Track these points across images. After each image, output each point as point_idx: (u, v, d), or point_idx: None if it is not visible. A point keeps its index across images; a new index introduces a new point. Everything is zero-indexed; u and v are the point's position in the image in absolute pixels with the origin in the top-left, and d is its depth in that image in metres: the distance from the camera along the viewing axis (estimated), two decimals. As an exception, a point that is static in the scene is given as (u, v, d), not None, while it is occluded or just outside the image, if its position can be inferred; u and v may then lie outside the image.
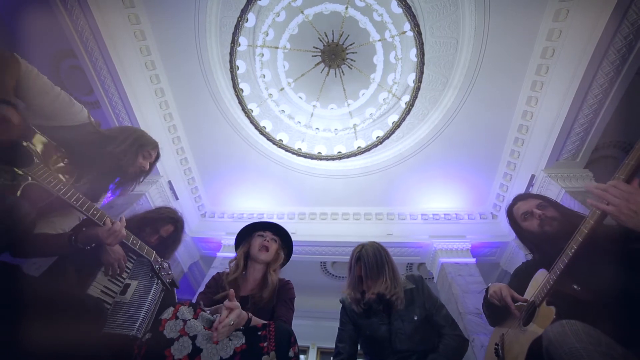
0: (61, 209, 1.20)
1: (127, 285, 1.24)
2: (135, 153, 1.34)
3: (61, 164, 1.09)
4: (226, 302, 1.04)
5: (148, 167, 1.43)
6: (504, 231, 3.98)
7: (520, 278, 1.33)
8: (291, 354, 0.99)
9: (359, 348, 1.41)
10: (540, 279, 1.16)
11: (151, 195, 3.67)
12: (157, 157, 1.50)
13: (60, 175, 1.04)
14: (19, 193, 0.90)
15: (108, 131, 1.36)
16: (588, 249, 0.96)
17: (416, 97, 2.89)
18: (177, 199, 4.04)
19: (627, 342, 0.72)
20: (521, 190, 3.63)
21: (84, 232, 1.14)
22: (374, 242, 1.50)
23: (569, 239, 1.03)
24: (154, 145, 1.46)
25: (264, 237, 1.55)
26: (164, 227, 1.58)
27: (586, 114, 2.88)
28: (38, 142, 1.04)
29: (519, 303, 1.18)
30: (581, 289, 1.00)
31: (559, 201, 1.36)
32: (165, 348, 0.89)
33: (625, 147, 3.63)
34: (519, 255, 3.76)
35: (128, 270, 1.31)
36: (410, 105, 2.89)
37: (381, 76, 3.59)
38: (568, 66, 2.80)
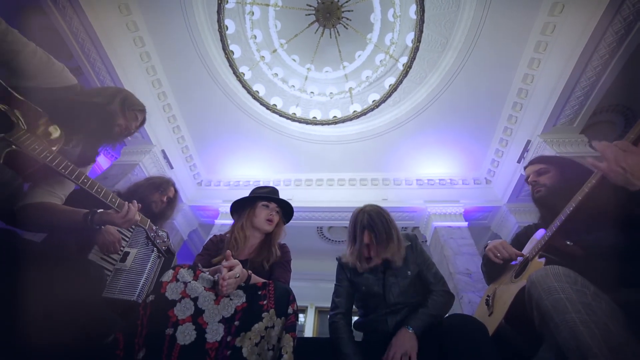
0: (57, 176, 1.17)
1: (127, 253, 1.27)
2: (120, 109, 1.28)
3: (48, 129, 1.04)
4: (224, 263, 1.07)
5: (133, 128, 1.37)
6: (497, 196, 4.06)
7: (521, 239, 1.38)
8: (290, 310, 1.02)
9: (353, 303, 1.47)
10: (537, 237, 1.21)
11: (145, 164, 3.63)
12: (143, 121, 1.44)
13: (46, 141, 1.00)
14: (1, 160, 0.87)
15: (92, 89, 1.30)
16: (586, 209, 0.99)
17: (414, 58, 2.76)
18: (171, 167, 4.01)
19: (607, 290, 0.77)
20: (516, 156, 3.65)
21: (99, 215, 1.13)
22: (375, 205, 1.44)
23: (563, 202, 1.05)
24: (141, 108, 1.40)
25: (269, 209, 1.54)
26: (169, 189, 1.70)
27: (589, 76, 2.81)
28: (19, 106, 0.98)
29: (516, 261, 1.24)
30: (573, 244, 1.05)
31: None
32: (168, 309, 0.93)
33: (624, 111, 3.59)
34: (509, 219, 3.88)
35: (127, 239, 1.33)
36: (408, 67, 2.77)
37: (378, 36, 3.41)
38: (576, 24, 2.67)
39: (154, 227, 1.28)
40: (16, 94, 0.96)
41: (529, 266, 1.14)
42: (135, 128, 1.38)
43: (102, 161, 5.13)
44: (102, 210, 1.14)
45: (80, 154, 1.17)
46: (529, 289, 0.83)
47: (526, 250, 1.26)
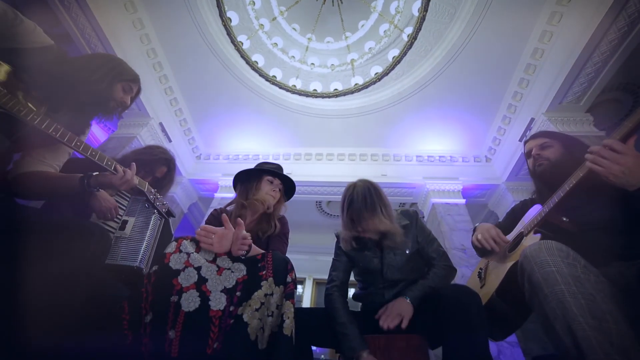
0: (50, 145, 1.15)
1: (125, 222, 1.28)
2: (111, 83, 1.21)
3: (30, 93, 0.99)
4: (238, 220, 1.11)
5: (129, 101, 1.30)
6: (496, 174, 4.06)
7: (516, 214, 1.39)
8: (288, 279, 1.05)
9: (352, 277, 1.51)
10: (533, 212, 1.21)
11: (143, 137, 3.59)
12: (138, 91, 1.36)
13: (31, 105, 0.96)
14: None
15: (77, 58, 1.21)
16: (586, 187, 0.99)
17: (420, 29, 2.64)
18: (170, 141, 3.96)
19: (599, 265, 0.80)
20: (518, 134, 3.61)
21: (96, 177, 1.11)
22: (366, 180, 1.45)
23: (563, 178, 1.05)
24: (135, 78, 1.31)
25: (273, 185, 1.56)
26: (158, 169, 1.57)
27: (603, 51, 2.68)
28: None
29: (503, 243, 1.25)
30: (569, 221, 1.06)
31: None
32: (172, 278, 0.95)
33: (633, 89, 3.49)
34: (507, 197, 3.91)
35: (124, 208, 1.34)
36: (413, 38, 2.66)
37: (383, 4, 3.23)
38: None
39: (153, 190, 1.28)
40: None
41: (523, 241, 1.16)
42: (131, 100, 1.33)
43: (99, 133, 5.07)
44: (98, 172, 1.12)
45: (69, 123, 1.11)
46: (521, 263, 0.85)
47: (521, 225, 1.28)
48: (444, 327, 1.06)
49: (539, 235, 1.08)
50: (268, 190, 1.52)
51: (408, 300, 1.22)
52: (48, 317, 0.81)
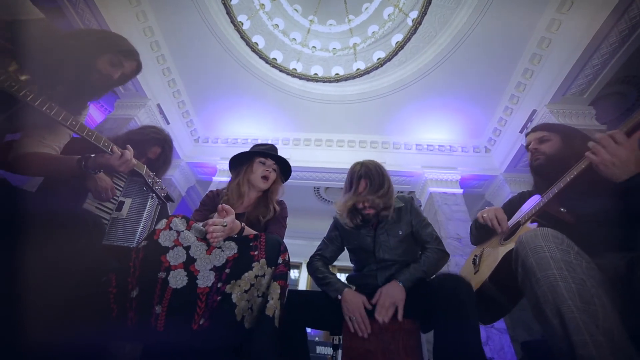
0: (50, 126, 1.12)
1: (122, 203, 1.27)
2: (94, 53, 1.12)
3: (23, 70, 0.96)
4: (222, 204, 1.09)
5: (116, 76, 1.20)
6: (495, 165, 4.06)
7: (513, 205, 1.40)
8: (280, 260, 1.05)
9: (349, 263, 1.55)
10: (531, 203, 1.22)
11: (140, 119, 3.53)
12: (136, 69, 1.26)
13: (23, 80, 0.93)
14: None
15: (69, 32, 1.14)
16: (586, 180, 0.99)
17: (425, 13, 2.57)
18: (168, 123, 3.91)
19: (593, 255, 0.81)
20: (519, 125, 3.58)
21: (94, 158, 1.09)
22: (372, 160, 1.54)
23: (560, 173, 1.06)
24: (127, 51, 1.21)
25: (266, 165, 1.53)
26: (150, 150, 1.52)
27: (611, 42, 2.62)
28: None
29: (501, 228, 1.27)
30: (567, 212, 1.07)
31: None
32: (161, 254, 0.95)
33: (638, 83, 3.44)
34: (504, 189, 3.92)
35: (120, 189, 1.33)
36: (417, 23, 2.59)
37: (389, -14, 3.13)
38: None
39: (152, 174, 1.26)
40: None
41: (520, 230, 1.17)
42: (123, 77, 1.23)
43: (96, 114, 4.99)
44: (95, 154, 1.10)
45: (65, 102, 1.06)
46: (517, 249, 0.86)
47: (518, 215, 1.29)
48: (436, 314, 1.09)
49: (535, 224, 1.10)
50: (261, 172, 1.51)
51: (400, 284, 1.24)
52: (41, 304, 0.81)
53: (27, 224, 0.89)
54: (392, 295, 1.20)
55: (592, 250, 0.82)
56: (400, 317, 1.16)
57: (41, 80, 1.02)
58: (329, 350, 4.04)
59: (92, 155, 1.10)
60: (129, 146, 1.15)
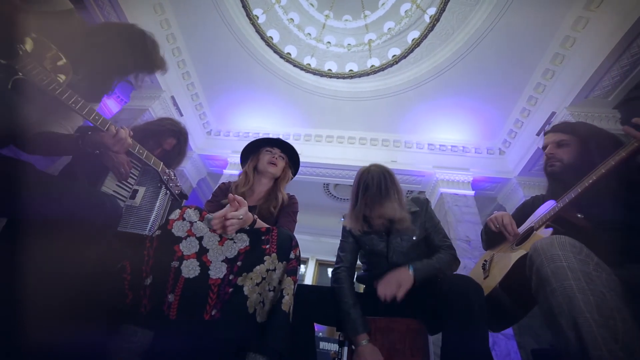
0: (67, 112, 1.16)
1: (136, 191, 1.30)
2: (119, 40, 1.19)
3: (54, 60, 1.00)
4: (235, 195, 1.10)
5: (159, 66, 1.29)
6: (509, 168, 3.97)
7: (526, 209, 1.35)
8: (292, 255, 1.06)
9: (358, 260, 1.53)
10: (545, 207, 1.18)
11: (155, 110, 3.59)
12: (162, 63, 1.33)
13: (53, 73, 0.96)
14: (9, 85, 0.85)
15: (97, 25, 1.22)
16: (605, 185, 0.96)
17: (444, 10, 2.51)
18: (181, 115, 3.96)
19: (612, 264, 0.77)
20: (536, 128, 3.48)
21: (90, 136, 1.12)
22: (379, 165, 1.45)
23: (576, 180, 1.02)
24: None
25: (272, 154, 1.56)
26: (166, 140, 1.56)
27: (644, 40, 2.48)
28: (22, 35, 0.93)
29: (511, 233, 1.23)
30: (584, 217, 1.02)
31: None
32: (174, 244, 0.97)
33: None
34: (518, 192, 3.83)
35: (134, 177, 1.36)
36: (435, 20, 2.53)
37: (407, -18, 3.07)
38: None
39: (167, 171, 1.28)
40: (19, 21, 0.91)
41: (533, 235, 1.14)
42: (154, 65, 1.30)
43: (112, 105, 5.10)
44: (91, 132, 1.13)
45: (87, 89, 1.13)
46: (531, 255, 0.84)
47: (530, 220, 1.25)
48: (445, 316, 1.07)
49: (550, 230, 1.06)
50: (268, 159, 1.53)
51: (410, 271, 1.22)
52: (56, 282, 0.83)
53: (51, 206, 0.91)
54: (398, 277, 1.19)
55: (612, 259, 0.78)
56: (399, 295, 1.14)
57: (72, 66, 1.05)
58: (331, 346, 4.06)
59: (89, 133, 1.13)
60: (124, 127, 1.17)
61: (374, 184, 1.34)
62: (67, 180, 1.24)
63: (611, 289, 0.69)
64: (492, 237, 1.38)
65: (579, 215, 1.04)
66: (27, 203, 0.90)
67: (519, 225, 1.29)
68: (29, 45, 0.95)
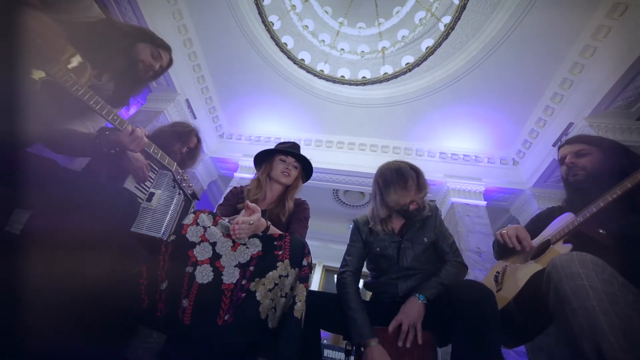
0: (90, 114, 1.20)
1: (152, 194, 1.33)
2: (142, 43, 1.26)
3: (78, 63, 1.04)
4: (249, 202, 1.11)
5: (157, 67, 1.34)
6: (522, 179, 3.89)
7: (541, 220, 1.32)
8: (304, 262, 1.06)
9: (364, 266, 1.51)
10: (563, 220, 1.14)
11: (169, 113, 3.68)
12: (170, 62, 1.40)
13: (76, 75, 1.01)
14: (38, 86, 0.89)
15: (115, 24, 1.28)
16: (629, 200, 0.92)
17: (459, 18, 2.50)
18: (195, 118, 4.04)
19: (636, 285, 0.74)
20: (552, 138, 3.41)
21: (107, 135, 1.15)
22: (396, 160, 1.53)
23: (600, 190, 0.98)
24: (165, 45, 1.36)
25: (286, 164, 1.56)
26: (191, 139, 1.70)
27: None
28: (62, 46, 0.99)
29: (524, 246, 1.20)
30: (606, 233, 0.98)
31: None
32: (188, 249, 0.99)
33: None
34: (532, 204, 3.74)
35: (151, 180, 1.39)
36: (450, 28, 2.52)
37: (422, -10, 3.07)
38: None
39: (180, 171, 1.31)
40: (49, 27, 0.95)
41: (550, 250, 1.10)
42: (161, 69, 1.36)
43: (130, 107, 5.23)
44: (108, 132, 1.16)
45: (113, 93, 1.18)
46: (549, 272, 0.81)
47: (547, 232, 1.21)
48: (455, 325, 1.03)
49: (569, 245, 1.02)
50: (281, 169, 1.53)
51: (421, 301, 1.20)
52: (75, 286, 0.84)
53: (74, 200, 0.93)
54: (412, 316, 1.16)
55: (637, 278, 0.75)
56: (419, 339, 1.13)
57: (95, 69, 1.09)
58: (336, 354, 4.01)
59: (106, 132, 1.16)
60: (140, 127, 1.20)
61: (407, 168, 1.42)
62: (89, 175, 1.29)
63: (638, 309, 0.66)
64: (505, 248, 1.35)
65: (601, 231, 0.99)
66: (52, 194, 0.92)
67: (533, 237, 1.26)
68: (75, 63, 1.00)
